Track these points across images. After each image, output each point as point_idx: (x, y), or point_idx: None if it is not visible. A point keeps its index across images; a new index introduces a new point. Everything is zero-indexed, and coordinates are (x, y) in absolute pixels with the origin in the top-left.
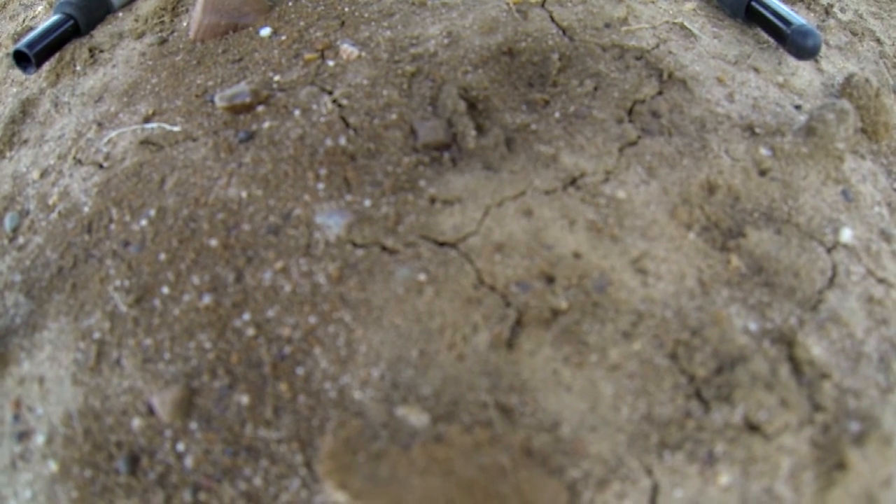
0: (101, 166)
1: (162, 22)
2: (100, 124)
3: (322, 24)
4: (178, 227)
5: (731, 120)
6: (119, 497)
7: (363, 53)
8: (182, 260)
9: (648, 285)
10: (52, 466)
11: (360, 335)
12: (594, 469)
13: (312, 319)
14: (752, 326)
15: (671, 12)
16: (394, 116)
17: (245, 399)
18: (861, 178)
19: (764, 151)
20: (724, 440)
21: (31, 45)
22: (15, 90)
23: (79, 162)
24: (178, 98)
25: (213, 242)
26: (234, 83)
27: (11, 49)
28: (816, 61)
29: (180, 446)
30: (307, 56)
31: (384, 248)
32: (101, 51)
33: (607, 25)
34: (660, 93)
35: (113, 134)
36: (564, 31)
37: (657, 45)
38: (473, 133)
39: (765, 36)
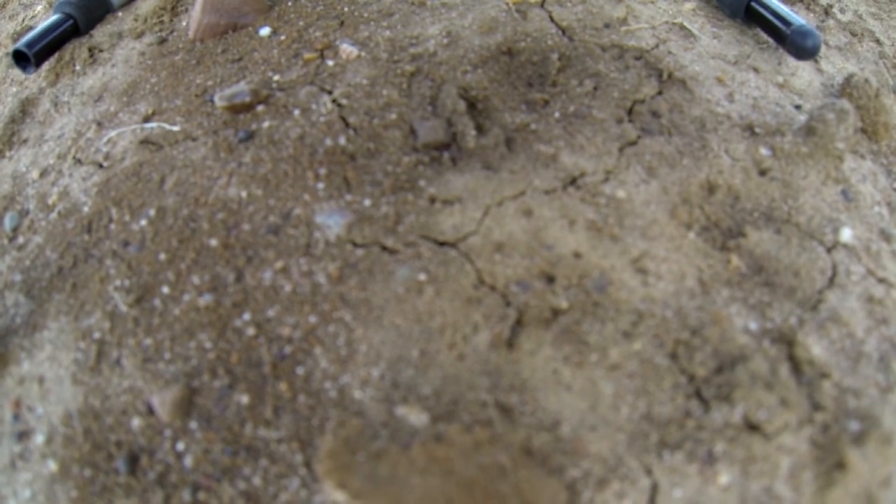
0: (100, 166)
1: (161, 21)
2: (99, 124)
3: (321, 24)
4: (177, 226)
5: (731, 120)
6: (118, 497)
7: (363, 53)
8: (182, 260)
9: (648, 285)
10: (52, 466)
11: (361, 335)
12: (594, 468)
13: (312, 319)
14: (752, 326)
15: (671, 12)
16: (393, 116)
17: (245, 399)
18: (861, 178)
19: (764, 151)
20: (723, 440)
21: (30, 44)
22: (14, 90)
23: (78, 161)
24: (178, 98)
25: (213, 242)
26: (234, 83)
27: (11, 48)
28: (816, 61)
29: (180, 446)
30: (307, 56)
31: (384, 248)
32: (101, 50)
33: (607, 25)
34: (659, 93)
35: (112, 133)
36: (564, 31)
37: (657, 45)
38: (473, 133)
39: (764, 36)
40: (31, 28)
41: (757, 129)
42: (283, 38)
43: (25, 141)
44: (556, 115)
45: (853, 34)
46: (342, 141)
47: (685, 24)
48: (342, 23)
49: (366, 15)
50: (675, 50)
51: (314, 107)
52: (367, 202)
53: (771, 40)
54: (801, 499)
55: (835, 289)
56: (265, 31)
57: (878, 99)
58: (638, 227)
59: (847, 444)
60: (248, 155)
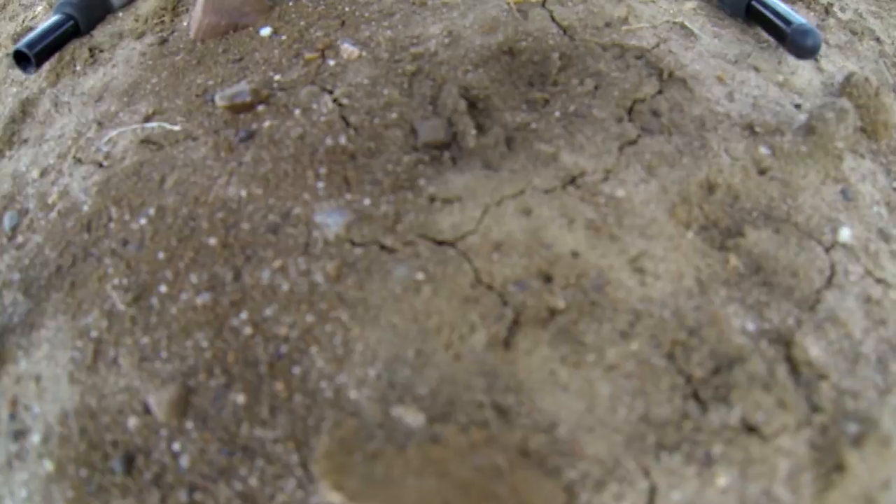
0: (100, 165)
1: (162, 22)
2: (100, 124)
3: (322, 24)
4: (177, 225)
5: (731, 119)
6: (114, 497)
7: (364, 53)
8: (181, 259)
9: (646, 285)
10: (48, 466)
11: (357, 334)
12: (591, 470)
13: (310, 318)
14: (750, 326)
15: (671, 12)
16: (394, 115)
17: (241, 398)
18: (860, 178)
19: (763, 150)
20: (721, 441)
21: (31, 45)
22: (15, 90)
23: (79, 161)
24: (179, 97)
25: (212, 241)
26: (235, 83)
27: (11, 49)
28: (816, 60)
29: (176, 446)
30: (308, 55)
31: (383, 247)
32: (102, 51)
33: (608, 25)
34: (660, 92)
35: (113, 133)
36: (565, 31)
37: (657, 45)
38: (474, 132)
39: (765, 35)
40: (31, 29)
41: (757, 129)
42: (283, 38)
43: (26, 141)
44: (557, 114)
45: (853, 33)
46: (343, 140)
47: (686, 23)
48: (343, 23)
49: (367, 15)
50: (676, 49)
51: (315, 106)
52: (367, 201)
53: (771, 39)
54: (799, 501)
55: (833, 289)
56: (266, 31)
57: (878, 98)
58: (637, 226)
59: (846, 446)
60: (249, 154)
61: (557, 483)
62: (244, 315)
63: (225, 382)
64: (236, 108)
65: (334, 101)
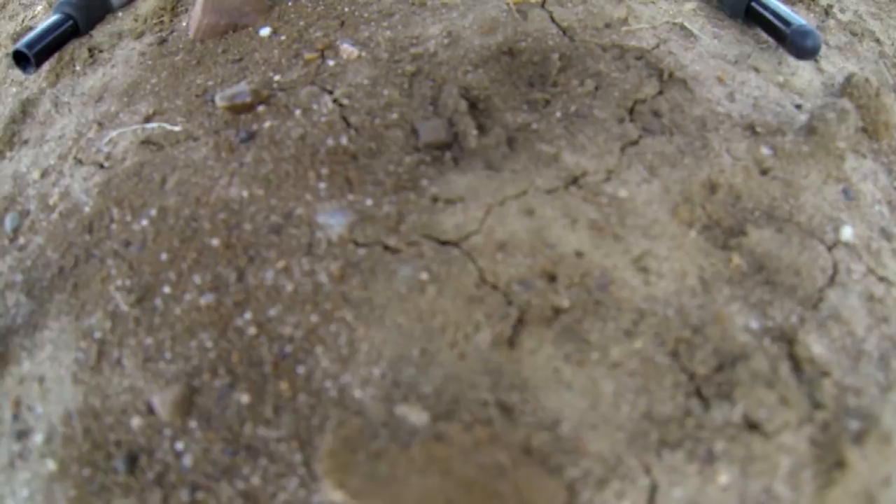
0: (101, 166)
1: (161, 22)
2: (100, 124)
3: (322, 24)
4: (179, 226)
5: (732, 119)
6: (117, 496)
7: (363, 53)
8: (183, 259)
9: (650, 284)
10: (51, 465)
11: (362, 334)
12: (593, 468)
13: (314, 318)
14: (753, 324)
15: (671, 13)
16: (395, 116)
17: (245, 398)
18: (862, 177)
19: (765, 150)
20: (723, 438)
21: (30, 45)
22: (15, 90)
23: (79, 162)
24: (179, 98)
25: (215, 242)
26: (235, 83)
27: (11, 49)
28: (816, 61)
29: (179, 445)
30: (307, 56)
31: (386, 248)
32: (101, 51)
33: (607, 26)
34: (660, 92)
35: (113, 134)
36: (565, 32)
37: (657, 45)
38: (475, 132)
39: (765, 36)
40: (31, 28)
41: (758, 129)
42: (283, 38)
43: (26, 141)
44: (558, 114)
45: (853, 34)
46: (344, 141)
47: (686, 24)
48: (343, 23)
49: (366, 15)
50: (676, 50)
51: (315, 107)
52: (369, 202)
53: (771, 40)
54: (800, 498)
55: (835, 287)
56: (265, 32)
57: (879, 98)
58: (639, 226)
59: (847, 443)
60: (250, 155)
61: (559, 481)
62: (248, 315)
63: (229, 382)
64: (236, 109)
65: (334, 101)
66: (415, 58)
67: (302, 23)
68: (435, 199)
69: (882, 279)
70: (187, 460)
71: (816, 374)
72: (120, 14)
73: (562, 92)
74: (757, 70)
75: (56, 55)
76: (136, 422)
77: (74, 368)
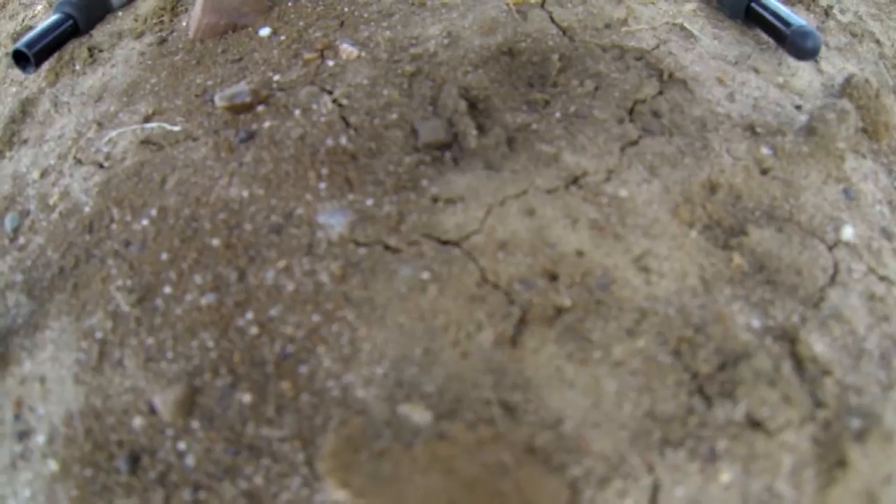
0: (101, 166)
1: (161, 22)
2: (100, 124)
3: (321, 24)
4: (179, 226)
5: (732, 120)
6: (119, 496)
7: (363, 53)
8: (184, 259)
9: (651, 283)
10: (53, 466)
11: (364, 334)
12: (596, 467)
13: (316, 318)
14: (755, 324)
15: (671, 13)
16: (394, 116)
17: (247, 398)
18: (862, 177)
19: (765, 151)
20: (726, 437)
21: (30, 44)
22: (14, 90)
23: (79, 162)
24: (178, 98)
25: (215, 242)
26: (234, 83)
27: (11, 49)
28: (816, 62)
29: (181, 445)
30: (307, 56)
31: (387, 247)
32: (101, 50)
33: (607, 26)
34: (660, 93)
35: (113, 133)
36: (564, 32)
37: (657, 46)
38: (474, 132)
39: (765, 37)
40: (30, 28)
41: (758, 129)
42: (283, 38)
43: (26, 141)
44: (558, 114)
45: (853, 35)
46: (343, 141)
47: (685, 24)
48: (342, 23)
49: (366, 15)
50: (676, 50)
51: (315, 107)
52: (370, 202)
53: (771, 41)
54: (802, 497)
55: (836, 286)
56: (265, 32)
57: (879, 99)
58: (640, 225)
59: (848, 442)
60: (249, 155)
61: (562, 480)
62: (250, 315)
63: (231, 382)
64: (236, 109)
65: (334, 101)
66: (414, 58)
67: (301, 23)
68: (435, 199)
69: (883, 278)
70: (189, 460)
71: (818, 373)
72: (120, 14)
73: (562, 92)
74: (757, 71)
75: (56, 55)
76: (137, 422)
77: (76, 369)
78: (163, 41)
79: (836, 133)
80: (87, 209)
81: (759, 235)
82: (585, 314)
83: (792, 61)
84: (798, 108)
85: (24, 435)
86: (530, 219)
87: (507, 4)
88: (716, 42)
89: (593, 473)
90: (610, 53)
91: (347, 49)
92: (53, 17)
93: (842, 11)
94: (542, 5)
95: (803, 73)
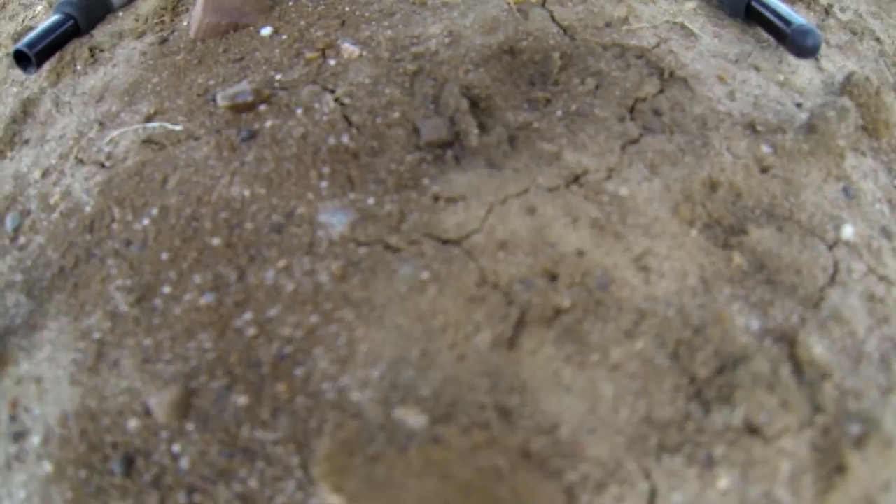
0: (102, 166)
1: (162, 21)
2: (101, 124)
3: (323, 24)
4: (180, 226)
5: (733, 118)
6: (113, 498)
7: (364, 52)
8: (184, 259)
9: (651, 283)
10: (47, 467)
11: (362, 335)
12: (592, 472)
13: (314, 319)
14: (754, 325)
15: (671, 12)
16: (396, 115)
17: (243, 400)
18: (862, 175)
19: (765, 149)
20: (723, 443)
21: (31, 44)
22: (15, 90)
23: (80, 161)
24: (180, 97)
25: (216, 241)
26: (236, 82)
27: (12, 49)
28: (817, 60)
29: (176, 447)
30: (308, 55)
31: (387, 247)
32: (102, 50)
33: (608, 25)
34: (661, 91)
35: (115, 133)
36: (565, 31)
37: (658, 44)
38: (476, 131)
39: (765, 35)
40: (31, 28)
41: (758, 127)
42: (284, 37)
43: (27, 141)
44: (559, 113)
45: (853, 33)
46: (345, 139)
47: (686, 23)
48: (343, 22)
49: (367, 14)
50: (676, 49)
51: (317, 106)
52: (371, 200)
53: (771, 39)
54: (801, 503)
55: (836, 287)
56: (266, 31)
57: (879, 97)
58: (640, 224)
59: (847, 447)
60: (251, 154)
61: (558, 485)
62: (248, 315)
63: (227, 384)
64: (238, 108)
65: (336, 100)
66: (416, 57)
67: (303, 22)
68: (436, 198)
69: (882, 278)
70: (184, 462)
71: (817, 377)
72: (121, 14)
73: (563, 91)
74: (757, 69)
75: (57, 55)
76: (132, 423)
77: (72, 369)
78: (164, 41)
79: (837, 131)
80: (88, 209)
81: (760, 234)
82: (584, 315)
83: (792, 59)
84: (798, 105)
85: (19, 436)
86: (531, 218)
87: (508, 3)
88: (716, 40)
89: (589, 479)
90: (611, 52)
91: (349, 48)
92: (54, 18)
93: (842, 9)
94: (543, 4)
95: (804, 72)
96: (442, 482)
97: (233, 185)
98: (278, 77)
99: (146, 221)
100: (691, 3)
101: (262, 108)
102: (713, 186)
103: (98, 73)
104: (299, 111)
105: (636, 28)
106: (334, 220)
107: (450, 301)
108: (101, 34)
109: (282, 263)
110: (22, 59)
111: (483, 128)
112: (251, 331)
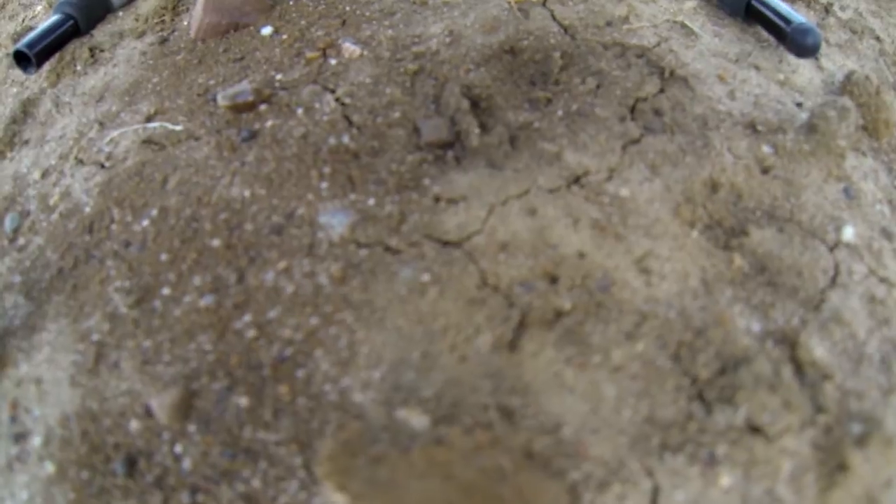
0: (102, 166)
1: (162, 21)
2: (101, 124)
3: (323, 23)
4: (180, 227)
5: (733, 117)
6: (116, 499)
7: (365, 52)
8: (184, 260)
9: (652, 285)
10: (49, 468)
11: (363, 336)
12: (595, 471)
13: (314, 321)
14: (756, 327)
15: (672, 11)
16: (397, 115)
17: (244, 401)
18: (862, 176)
19: (766, 149)
20: (725, 442)
21: (31, 45)
22: (15, 90)
23: (80, 162)
24: (180, 97)
25: (216, 242)
26: (236, 82)
27: (11, 49)
28: (817, 59)
29: (178, 448)
30: (309, 55)
31: (388, 248)
32: (102, 50)
33: (608, 24)
34: (661, 91)
35: (114, 133)
36: (566, 30)
37: (658, 44)
38: (477, 131)
39: (765, 34)
40: (31, 28)
41: (759, 127)
42: (284, 37)
43: (27, 141)
44: (559, 113)
45: (853, 32)
46: (346, 140)
47: (686, 22)
48: (344, 22)
49: (368, 14)
50: (677, 48)
51: (317, 106)
52: (372, 201)
53: (772, 38)
54: (802, 501)
55: (837, 288)
56: (267, 31)
57: (879, 96)
58: (641, 226)
59: (849, 447)
60: (252, 154)
61: (561, 485)
62: (248, 317)
63: (228, 385)
64: (238, 108)
65: (336, 100)
66: (417, 56)
67: (303, 22)
68: (437, 199)
69: (883, 280)
70: (186, 463)
71: (818, 378)
72: (121, 14)
73: (563, 90)
74: (757, 68)
75: (57, 55)
76: (134, 425)
77: (72, 371)
78: (164, 41)
79: (837, 130)
80: (87, 209)
81: (760, 236)
82: (585, 317)
83: (792, 58)
84: (799, 105)
85: (20, 437)
86: (532, 219)
87: (509, 3)
88: (716, 40)
89: (592, 478)
90: (611, 51)
91: (350, 48)
92: (54, 18)
93: (842, 8)
94: (544, 3)
95: (804, 71)
96: (445, 482)
97: (233, 185)
98: (279, 77)
99: (146, 222)
100: (691, 2)
101: (263, 107)
102: (714, 187)
103: (98, 73)
104: (300, 111)
105: (637, 27)
106: (334, 222)
107: (450, 303)
108: (101, 34)
109: (282, 265)
110: (22, 60)
111: (484, 128)
112: (251, 333)
